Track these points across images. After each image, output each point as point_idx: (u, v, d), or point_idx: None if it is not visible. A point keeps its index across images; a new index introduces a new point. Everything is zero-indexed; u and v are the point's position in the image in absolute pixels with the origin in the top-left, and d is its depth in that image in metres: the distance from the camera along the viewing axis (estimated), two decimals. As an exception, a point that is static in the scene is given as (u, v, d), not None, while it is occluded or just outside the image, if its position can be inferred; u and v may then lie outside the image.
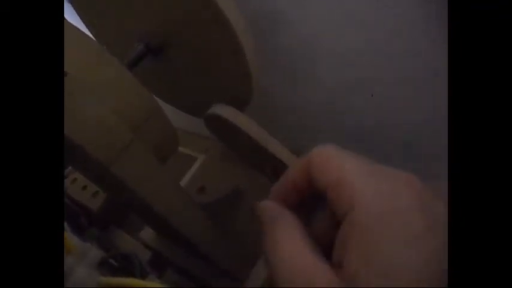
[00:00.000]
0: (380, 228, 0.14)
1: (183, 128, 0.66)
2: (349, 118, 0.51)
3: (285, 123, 0.56)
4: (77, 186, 0.55)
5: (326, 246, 0.16)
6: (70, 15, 0.40)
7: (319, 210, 0.18)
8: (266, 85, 0.47)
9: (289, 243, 0.16)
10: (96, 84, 0.25)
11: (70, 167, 0.54)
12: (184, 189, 0.47)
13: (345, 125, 0.52)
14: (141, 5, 0.36)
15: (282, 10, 0.44)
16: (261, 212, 0.18)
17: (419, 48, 0.40)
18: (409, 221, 0.14)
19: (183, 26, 0.36)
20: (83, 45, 0.25)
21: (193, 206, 0.33)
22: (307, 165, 0.18)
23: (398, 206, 0.14)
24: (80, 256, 0.20)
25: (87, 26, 0.45)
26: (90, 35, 0.45)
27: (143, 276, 0.23)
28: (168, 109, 0.39)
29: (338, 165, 0.16)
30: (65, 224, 0.24)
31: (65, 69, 0.21)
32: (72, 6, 0.43)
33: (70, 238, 0.20)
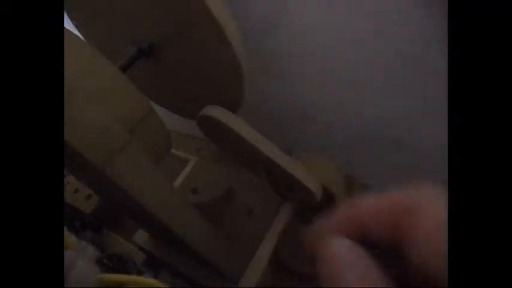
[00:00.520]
0: None
1: (175, 129, 0.67)
2: (339, 118, 0.52)
3: (277, 124, 0.57)
4: (69, 189, 0.55)
5: None
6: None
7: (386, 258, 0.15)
8: (257, 86, 0.48)
9: None
10: (91, 87, 0.25)
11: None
12: (179, 189, 0.47)
13: (334, 125, 0.53)
14: (133, 8, 0.37)
15: (271, 14, 0.45)
16: (334, 251, 0.15)
17: (411, 47, 0.40)
18: None
19: (174, 28, 0.36)
20: (77, 48, 0.25)
21: (189, 207, 0.33)
22: (393, 206, 0.15)
23: None
24: (80, 251, 0.20)
25: (76, 26, 0.45)
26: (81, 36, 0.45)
27: (139, 275, 0.23)
28: (160, 111, 0.39)
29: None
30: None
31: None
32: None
33: (68, 236, 0.20)
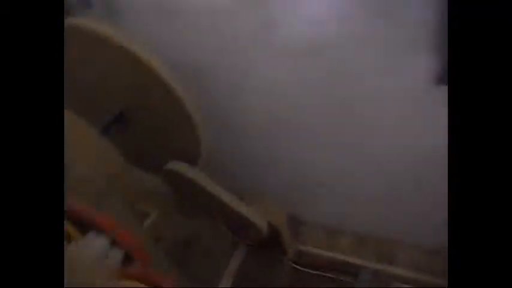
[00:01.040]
0: None
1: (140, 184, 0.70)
2: (283, 167, 0.59)
3: (230, 174, 0.62)
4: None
5: None
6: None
7: None
8: (212, 142, 0.53)
9: None
10: (80, 149, 0.31)
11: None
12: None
13: (281, 175, 0.60)
14: (110, 84, 0.44)
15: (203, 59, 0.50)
16: None
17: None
18: None
19: (142, 102, 0.44)
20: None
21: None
22: None
23: None
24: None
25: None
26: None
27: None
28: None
29: None
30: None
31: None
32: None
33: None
